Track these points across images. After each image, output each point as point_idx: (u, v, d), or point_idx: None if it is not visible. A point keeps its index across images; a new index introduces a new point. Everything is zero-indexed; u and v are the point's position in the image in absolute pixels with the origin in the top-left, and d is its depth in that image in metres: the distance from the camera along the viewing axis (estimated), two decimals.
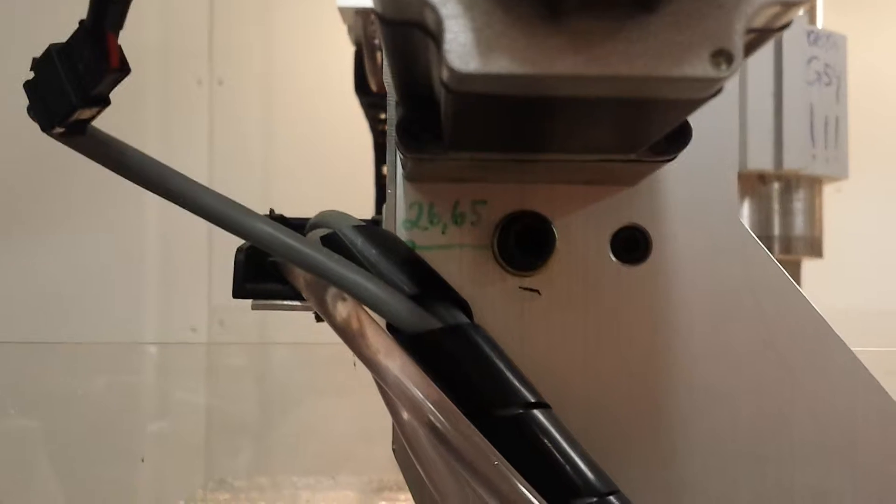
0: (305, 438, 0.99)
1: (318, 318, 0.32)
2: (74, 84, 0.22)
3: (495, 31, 0.15)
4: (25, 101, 0.24)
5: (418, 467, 0.27)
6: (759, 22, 0.16)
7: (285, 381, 1.05)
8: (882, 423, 0.29)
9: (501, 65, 0.15)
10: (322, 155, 1.15)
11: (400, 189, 0.30)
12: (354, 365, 0.30)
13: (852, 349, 0.31)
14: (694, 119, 0.29)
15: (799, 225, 0.60)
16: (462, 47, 0.15)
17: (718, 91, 0.17)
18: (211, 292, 1.13)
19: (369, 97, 0.72)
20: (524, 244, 0.29)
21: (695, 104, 0.18)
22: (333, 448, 0.98)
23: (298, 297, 0.30)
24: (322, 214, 0.31)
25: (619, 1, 0.15)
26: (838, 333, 0.31)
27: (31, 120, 0.24)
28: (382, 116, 0.78)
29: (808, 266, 0.62)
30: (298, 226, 0.32)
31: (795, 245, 0.60)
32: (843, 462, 0.29)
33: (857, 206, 1.05)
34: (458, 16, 0.15)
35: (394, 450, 0.30)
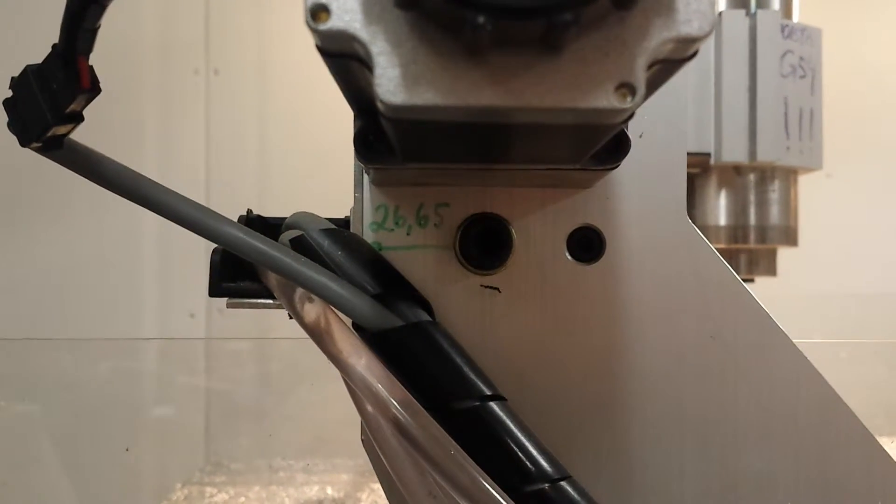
0: (301, 422, 1.01)
1: (291, 317, 0.34)
2: (49, 103, 0.23)
3: (421, 67, 0.17)
4: None
5: (382, 458, 0.29)
6: (661, 55, 0.17)
7: (282, 366, 1.07)
8: (822, 411, 0.31)
9: (427, 97, 0.17)
10: (317, 142, 1.16)
11: (366, 192, 0.31)
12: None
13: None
14: (645, 125, 0.31)
15: (774, 215, 0.61)
16: (390, 81, 0.17)
17: (629, 117, 0.18)
18: None
19: None
20: (484, 245, 0.30)
21: (610, 128, 0.19)
22: (328, 432, 1.00)
23: (272, 296, 0.31)
24: (295, 216, 0.33)
25: (527, 42, 0.16)
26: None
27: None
28: None
29: (784, 254, 0.64)
30: (276, 225, 0.34)
31: (771, 234, 0.61)
32: (785, 447, 0.31)
33: (838, 195, 1.06)
34: (387, 52, 0.17)
35: (363, 440, 0.32)
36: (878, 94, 1.16)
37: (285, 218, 0.34)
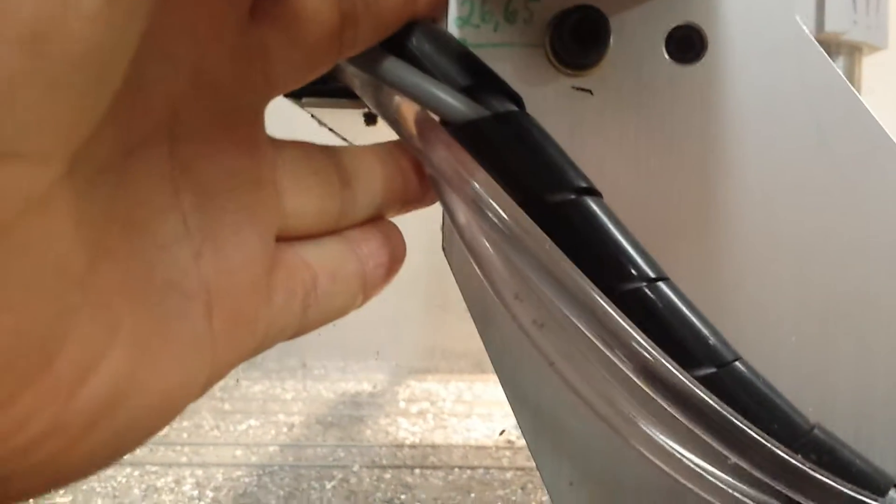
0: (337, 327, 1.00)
1: (368, 122, 0.32)
2: None
3: None
4: None
5: (469, 257, 0.27)
6: None
7: None
8: None
9: None
10: None
11: None
12: None
13: None
14: None
15: None
16: None
17: None
18: None
19: None
20: (579, 36, 0.28)
21: None
22: (364, 336, 0.99)
23: (350, 96, 0.30)
24: None
25: None
26: None
27: None
28: None
29: None
30: None
31: None
32: (889, 266, 0.29)
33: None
34: None
35: (443, 248, 0.30)
36: None
37: None
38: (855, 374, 0.30)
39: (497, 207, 0.26)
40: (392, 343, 0.95)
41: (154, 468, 0.58)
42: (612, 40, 0.29)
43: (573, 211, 0.26)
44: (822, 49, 0.29)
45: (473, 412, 0.72)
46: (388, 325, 0.95)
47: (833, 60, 0.60)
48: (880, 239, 0.29)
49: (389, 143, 0.28)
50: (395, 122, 0.28)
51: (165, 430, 0.18)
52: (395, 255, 0.27)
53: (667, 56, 0.29)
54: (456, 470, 0.53)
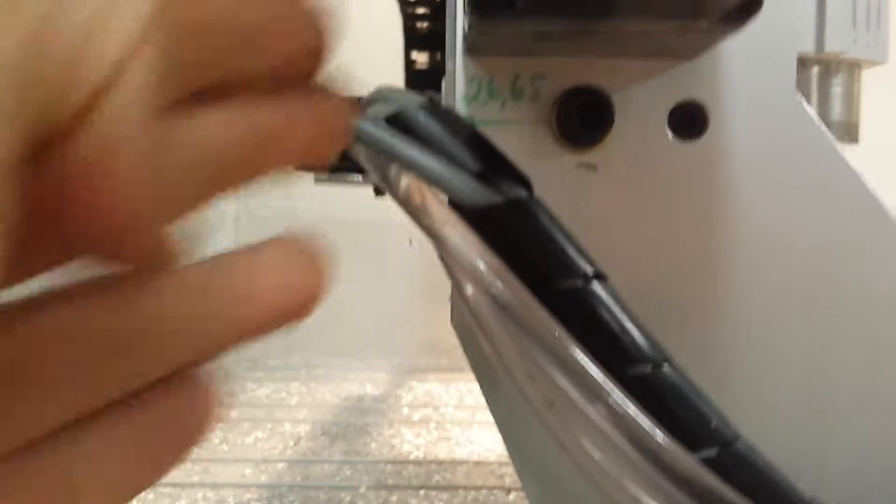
0: (337, 322, 1.01)
1: (377, 193, 0.33)
2: None
3: None
4: None
5: (481, 339, 0.28)
6: None
7: None
8: None
9: None
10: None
11: (459, 64, 0.30)
12: (410, 243, 0.31)
13: None
14: None
15: (836, 110, 0.59)
16: None
17: None
18: None
19: None
20: (583, 119, 0.29)
21: None
22: (363, 332, 0.99)
23: (360, 170, 0.30)
24: (379, 90, 0.31)
25: None
26: None
27: None
28: None
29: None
30: None
31: (832, 130, 0.59)
32: (891, 343, 0.30)
33: None
34: None
35: (453, 324, 0.31)
36: None
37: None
38: (851, 446, 0.31)
39: (507, 292, 0.27)
40: (392, 341, 0.95)
41: (167, 489, 0.59)
42: (615, 118, 0.29)
43: (580, 297, 0.27)
44: (822, 125, 0.30)
45: (475, 419, 0.73)
46: (389, 323, 0.96)
47: (832, 77, 0.60)
48: (881, 287, 0.30)
49: None
50: (402, 200, 0.29)
51: None
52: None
53: (669, 133, 0.30)
54: (461, 491, 0.54)
